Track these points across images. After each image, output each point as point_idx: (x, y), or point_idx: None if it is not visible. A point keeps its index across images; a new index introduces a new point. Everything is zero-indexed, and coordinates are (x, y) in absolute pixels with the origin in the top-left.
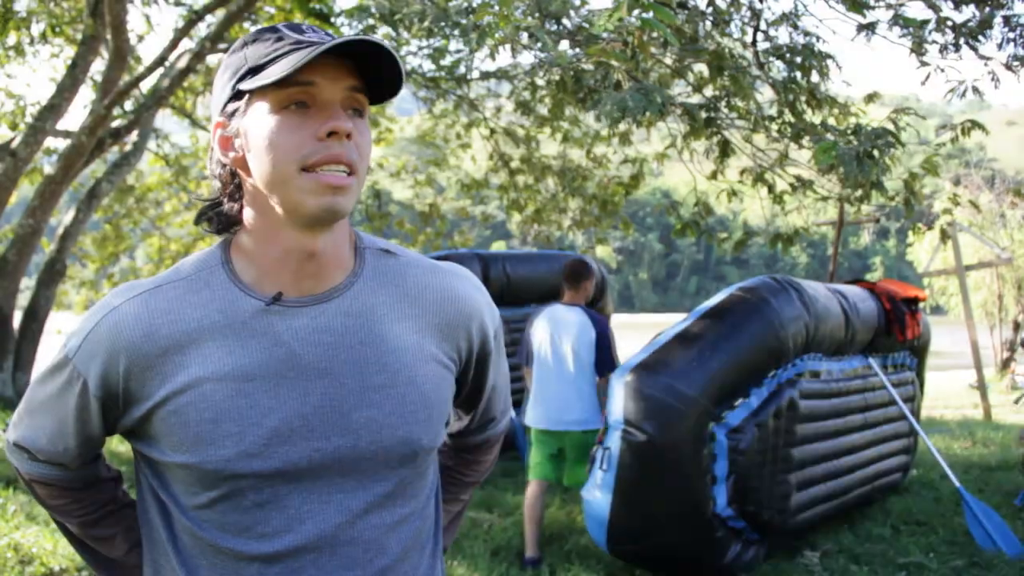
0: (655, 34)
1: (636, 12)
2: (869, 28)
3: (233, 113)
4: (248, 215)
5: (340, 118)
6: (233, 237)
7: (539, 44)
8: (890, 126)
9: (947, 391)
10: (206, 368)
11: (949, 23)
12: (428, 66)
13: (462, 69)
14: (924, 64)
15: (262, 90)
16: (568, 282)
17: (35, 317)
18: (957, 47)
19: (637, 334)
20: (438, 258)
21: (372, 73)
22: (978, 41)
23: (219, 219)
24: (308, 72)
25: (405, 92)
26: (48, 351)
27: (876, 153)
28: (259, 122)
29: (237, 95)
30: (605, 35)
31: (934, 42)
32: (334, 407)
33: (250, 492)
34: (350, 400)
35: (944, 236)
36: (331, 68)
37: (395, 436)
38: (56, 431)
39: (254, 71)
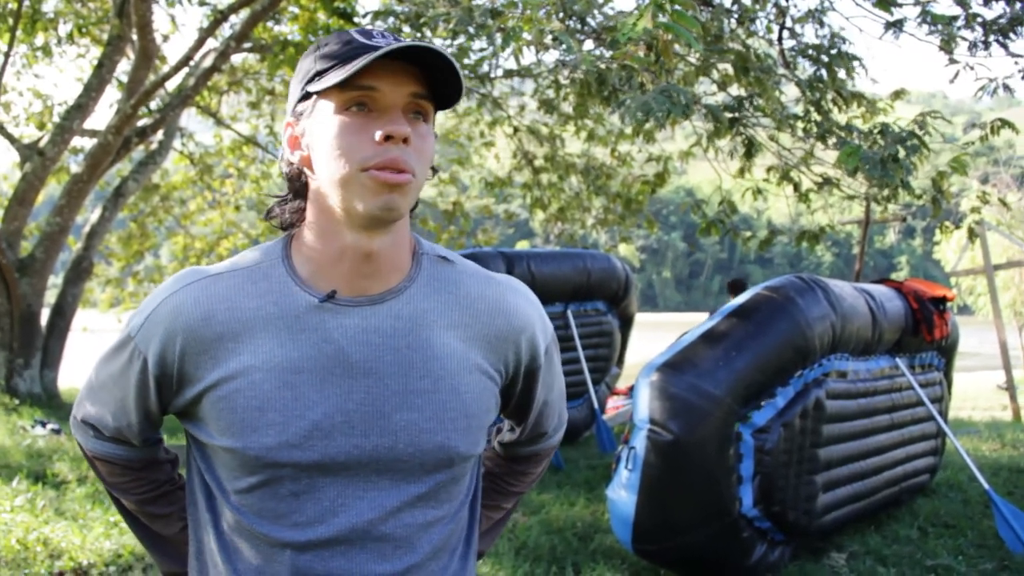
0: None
1: (659, 18)
2: (897, 25)
3: (301, 113)
4: (310, 212)
5: (398, 122)
6: (295, 232)
7: (563, 46)
8: (916, 127)
9: (975, 392)
10: (257, 357)
11: (979, 20)
12: None
13: (485, 67)
14: (953, 61)
15: (327, 92)
16: (732, 292)
17: (62, 314)
18: (987, 44)
19: (660, 333)
20: (464, 256)
21: (437, 79)
22: (1008, 38)
23: (284, 215)
24: (371, 77)
25: None
26: (75, 349)
27: (901, 155)
28: (322, 122)
29: (305, 96)
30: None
31: (963, 39)
32: (376, 407)
33: (288, 481)
34: (392, 401)
35: (972, 235)
36: (394, 74)
37: (433, 441)
38: (120, 407)
39: (321, 73)
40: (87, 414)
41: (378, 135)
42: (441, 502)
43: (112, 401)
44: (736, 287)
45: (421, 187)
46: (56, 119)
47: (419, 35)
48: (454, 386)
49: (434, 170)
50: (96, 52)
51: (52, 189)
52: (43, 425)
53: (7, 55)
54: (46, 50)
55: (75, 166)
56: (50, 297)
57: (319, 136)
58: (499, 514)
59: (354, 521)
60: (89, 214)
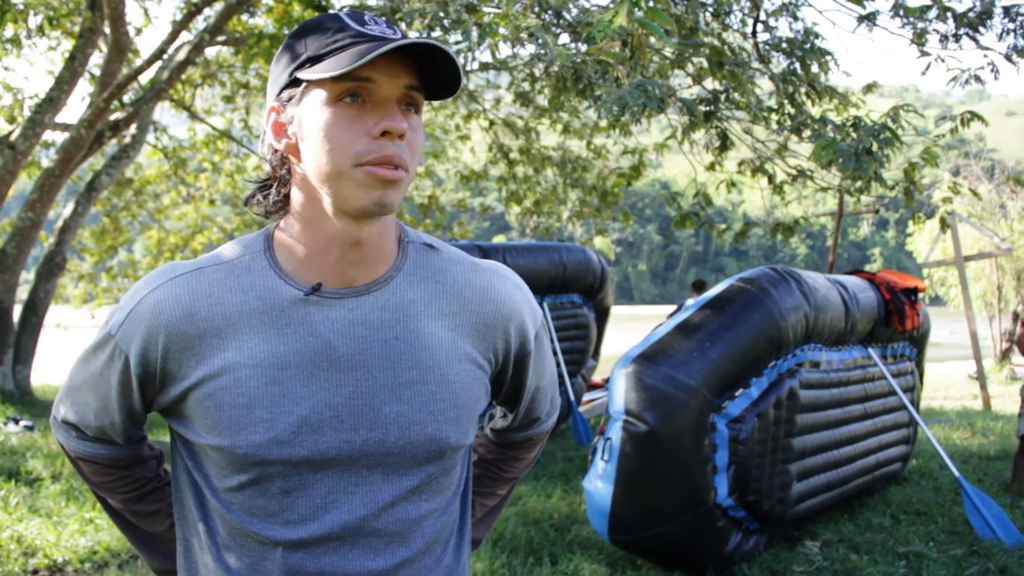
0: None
1: (634, 14)
2: (869, 19)
3: (289, 100)
4: (296, 202)
5: (395, 118)
6: (276, 225)
7: (539, 42)
8: (889, 120)
9: (946, 381)
10: (242, 354)
11: (950, 12)
12: None
13: (461, 60)
14: (924, 54)
15: (319, 80)
16: (696, 290)
17: (35, 310)
18: (958, 37)
19: (636, 325)
20: None
21: (430, 70)
22: (978, 32)
23: (266, 203)
24: (367, 68)
25: None
26: (48, 345)
27: (875, 148)
28: (314, 112)
29: (294, 82)
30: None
31: (935, 31)
32: (365, 400)
33: (278, 478)
34: (381, 394)
35: (944, 225)
36: (390, 64)
37: (423, 433)
38: (102, 407)
39: (313, 60)
40: (68, 414)
41: (375, 130)
42: (433, 494)
43: (94, 401)
44: (699, 287)
45: (412, 180)
46: (27, 113)
47: None
48: (443, 376)
49: None
50: (68, 45)
51: (23, 184)
52: (16, 422)
53: None
54: (16, 42)
55: (47, 160)
56: (22, 293)
57: (309, 126)
58: (493, 501)
59: (346, 518)
60: (61, 209)
